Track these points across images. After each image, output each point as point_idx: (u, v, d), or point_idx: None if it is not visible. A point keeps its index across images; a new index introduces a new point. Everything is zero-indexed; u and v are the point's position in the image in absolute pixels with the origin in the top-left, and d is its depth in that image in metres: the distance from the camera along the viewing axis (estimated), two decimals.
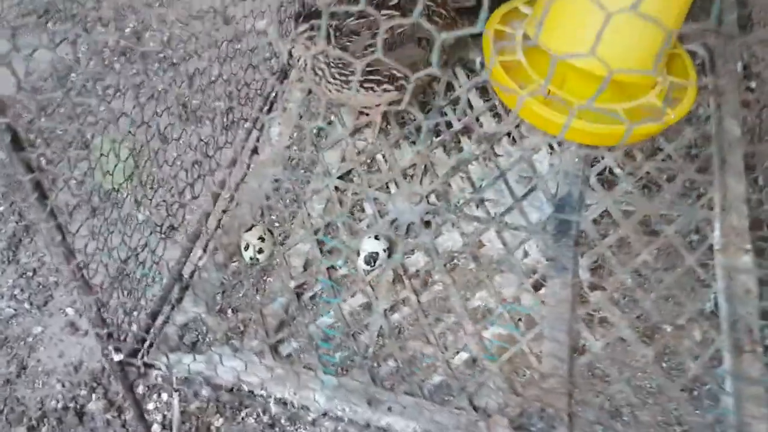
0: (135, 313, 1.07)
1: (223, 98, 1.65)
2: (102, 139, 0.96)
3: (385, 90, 1.35)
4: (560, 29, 1.34)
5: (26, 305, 1.71)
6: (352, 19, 1.30)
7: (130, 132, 0.93)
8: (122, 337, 1.02)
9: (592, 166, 1.42)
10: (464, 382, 1.11)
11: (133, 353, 1.04)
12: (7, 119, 0.59)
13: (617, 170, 1.42)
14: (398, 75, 1.35)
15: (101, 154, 0.94)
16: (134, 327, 1.04)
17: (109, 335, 0.96)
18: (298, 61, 1.33)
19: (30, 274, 1.74)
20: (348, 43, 1.30)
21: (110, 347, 0.98)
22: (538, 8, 1.42)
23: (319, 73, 1.31)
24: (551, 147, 1.45)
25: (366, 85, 1.33)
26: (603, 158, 1.43)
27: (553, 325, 1.19)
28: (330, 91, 1.34)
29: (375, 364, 1.14)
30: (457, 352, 1.16)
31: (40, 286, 1.73)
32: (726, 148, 1.43)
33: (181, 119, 1.81)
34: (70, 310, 1.65)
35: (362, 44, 1.31)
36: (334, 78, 1.31)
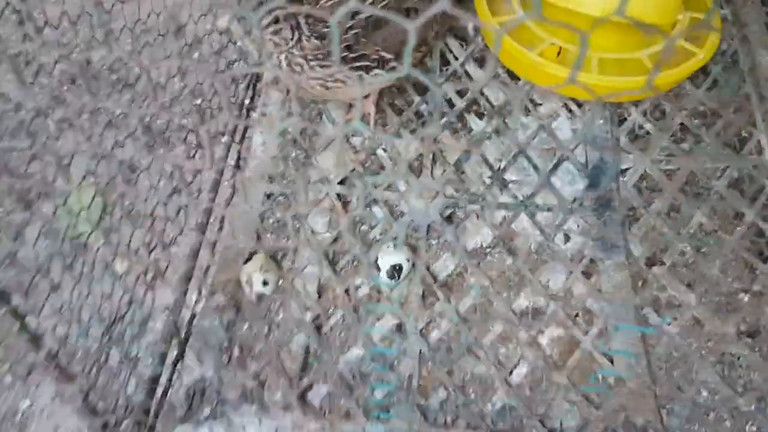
0: (129, 388, 0.89)
1: (191, 113, 1.46)
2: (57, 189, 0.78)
3: (375, 75, 1.17)
4: None
5: (8, 379, 1.51)
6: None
7: (88, 172, 0.75)
8: (119, 422, 0.84)
9: (619, 125, 1.25)
10: (531, 402, 0.95)
11: None
12: None
13: (648, 126, 1.25)
14: (388, 57, 1.16)
15: (56, 208, 0.75)
16: (130, 407, 0.86)
17: (104, 427, 0.77)
18: (270, 59, 1.14)
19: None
20: (325, 30, 1.11)
21: None
22: None
23: (297, 69, 1.12)
24: (570, 111, 1.28)
25: (354, 73, 1.15)
26: (630, 115, 1.27)
27: (618, 316, 1.03)
28: (313, 87, 1.15)
29: (423, 399, 0.97)
30: (515, 366, 0.99)
31: (19, 355, 1.53)
32: (763, 83, 1.27)
33: (147, 145, 1.61)
34: None
35: (341, 28, 1.12)
36: (314, 71, 1.13)
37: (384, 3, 1.14)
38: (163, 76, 1.65)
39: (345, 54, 1.12)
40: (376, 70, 1.16)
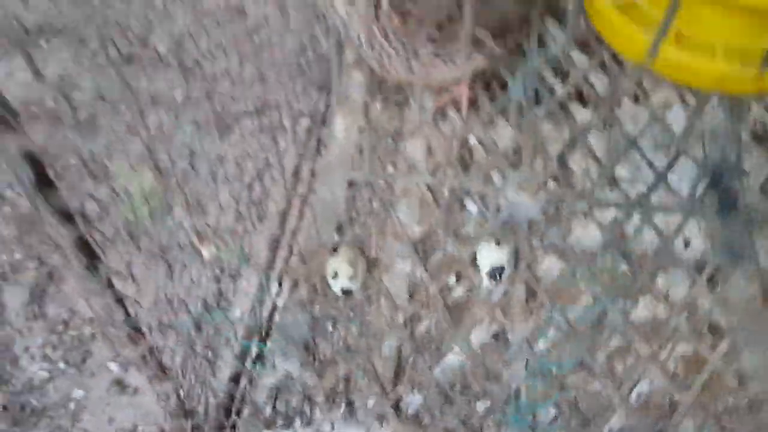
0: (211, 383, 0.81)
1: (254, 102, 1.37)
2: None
3: (469, 59, 1.06)
4: None
5: (61, 365, 1.44)
6: None
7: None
8: (203, 423, 0.75)
9: (740, 120, 1.13)
10: (655, 426, 0.84)
11: None
12: (26, 142, 0.32)
13: None
14: (484, 37, 1.05)
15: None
16: (212, 401, 0.78)
17: (194, 429, 0.69)
18: (352, 35, 1.03)
19: (61, 328, 1.47)
20: (411, 8, 0.99)
21: None
22: None
23: (378, 48, 1.02)
24: (684, 101, 1.16)
25: (443, 56, 1.04)
26: (750, 109, 1.15)
27: (749, 333, 0.91)
28: (396, 69, 1.05)
29: (531, 416, 0.87)
30: (635, 385, 0.88)
31: (75, 341, 1.46)
32: None
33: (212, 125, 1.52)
34: (113, 366, 1.38)
35: (430, 4, 1.01)
36: (398, 54, 1.02)
37: None
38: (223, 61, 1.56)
39: (434, 35, 1.01)
40: (471, 52, 1.05)
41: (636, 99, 1.16)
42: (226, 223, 0.85)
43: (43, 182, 0.40)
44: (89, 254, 0.44)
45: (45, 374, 1.38)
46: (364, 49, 1.03)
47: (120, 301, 0.49)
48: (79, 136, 1.47)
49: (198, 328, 0.76)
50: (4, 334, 1.46)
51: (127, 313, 0.51)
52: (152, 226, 1.14)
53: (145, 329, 0.54)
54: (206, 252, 0.83)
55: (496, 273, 0.97)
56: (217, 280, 0.86)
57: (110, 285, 0.48)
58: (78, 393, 1.36)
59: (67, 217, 0.40)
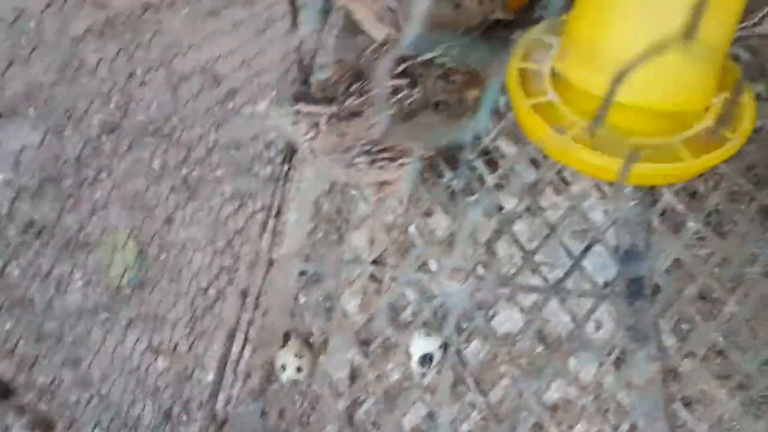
0: None
1: (225, 168, 1.50)
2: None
3: (401, 165, 1.19)
4: (595, 59, 1.17)
5: None
6: (352, 98, 1.13)
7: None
8: None
9: (652, 206, 1.26)
10: None
11: None
12: None
13: (680, 207, 1.25)
14: (415, 146, 1.17)
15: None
16: None
17: None
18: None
19: (49, 397, 1.59)
20: (347, 129, 1.12)
21: None
22: (567, 38, 1.25)
23: (320, 159, 1.15)
24: (601, 191, 1.28)
25: (378, 164, 1.17)
26: (662, 197, 1.27)
27: (648, 412, 1.03)
28: (337, 175, 1.18)
29: None
30: None
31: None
32: None
33: (187, 192, 1.64)
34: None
35: (364, 126, 1.13)
36: (337, 163, 1.15)
37: (411, 100, 1.14)
38: (198, 128, 1.70)
39: (368, 148, 1.14)
40: (402, 159, 1.17)
41: (557, 189, 1.29)
42: (182, 331, 0.96)
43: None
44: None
45: None
46: (309, 158, 1.16)
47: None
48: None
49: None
50: None
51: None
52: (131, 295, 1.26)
53: None
54: (162, 362, 0.94)
55: (425, 361, 1.08)
56: (176, 382, 0.97)
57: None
58: None
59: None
